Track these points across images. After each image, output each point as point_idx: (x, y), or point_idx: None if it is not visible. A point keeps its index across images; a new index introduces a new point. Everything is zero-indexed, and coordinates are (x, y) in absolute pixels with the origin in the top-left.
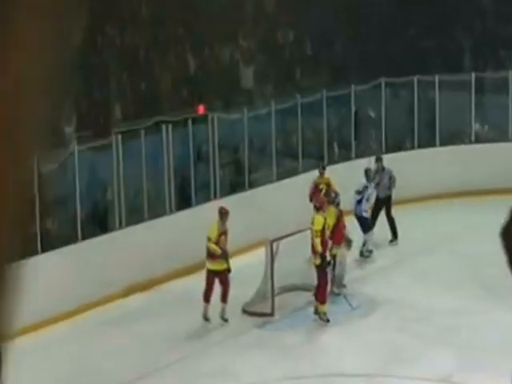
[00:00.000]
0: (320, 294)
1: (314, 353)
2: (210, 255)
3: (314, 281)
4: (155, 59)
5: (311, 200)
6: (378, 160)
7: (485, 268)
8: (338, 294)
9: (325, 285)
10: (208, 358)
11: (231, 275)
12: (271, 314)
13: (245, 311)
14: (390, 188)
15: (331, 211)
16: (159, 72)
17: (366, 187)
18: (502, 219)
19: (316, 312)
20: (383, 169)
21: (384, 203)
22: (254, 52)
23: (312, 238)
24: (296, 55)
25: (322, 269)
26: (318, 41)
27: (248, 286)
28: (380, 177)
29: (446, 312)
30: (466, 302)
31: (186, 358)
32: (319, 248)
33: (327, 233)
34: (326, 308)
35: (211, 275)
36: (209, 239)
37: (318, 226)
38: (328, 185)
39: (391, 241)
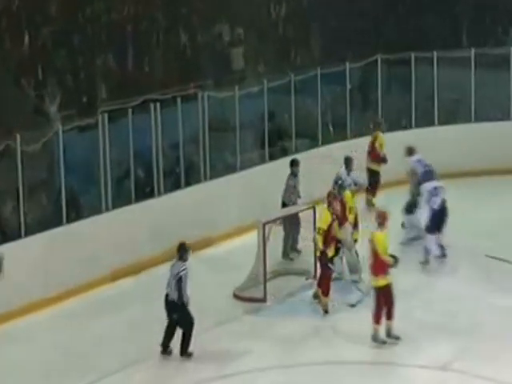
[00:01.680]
0: (323, 285)
1: (310, 340)
2: (383, 269)
3: (307, 265)
4: (144, 36)
5: (369, 154)
6: (294, 164)
7: (483, 252)
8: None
9: (327, 276)
10: (200, 345)
11: (223, 259)
12: (263, 300)
13: (236, 296)
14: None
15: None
16: (148, 49)
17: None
18: (503, 200)
19: (315, 297)
20: (296, 174)
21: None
22: (246, 29)
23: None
24: (289, 32)
25: (324, 261)
26: (312, 17)
27: (239, 270)
28: (294, 181)
29: (446, 298)
30: (466, 287)
31: (178, 345)
32: (320, 245)
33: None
34: (328, 299)
35: (381, 292)
36: (383, 253)
37: (324, 225)
38: (374, 139)
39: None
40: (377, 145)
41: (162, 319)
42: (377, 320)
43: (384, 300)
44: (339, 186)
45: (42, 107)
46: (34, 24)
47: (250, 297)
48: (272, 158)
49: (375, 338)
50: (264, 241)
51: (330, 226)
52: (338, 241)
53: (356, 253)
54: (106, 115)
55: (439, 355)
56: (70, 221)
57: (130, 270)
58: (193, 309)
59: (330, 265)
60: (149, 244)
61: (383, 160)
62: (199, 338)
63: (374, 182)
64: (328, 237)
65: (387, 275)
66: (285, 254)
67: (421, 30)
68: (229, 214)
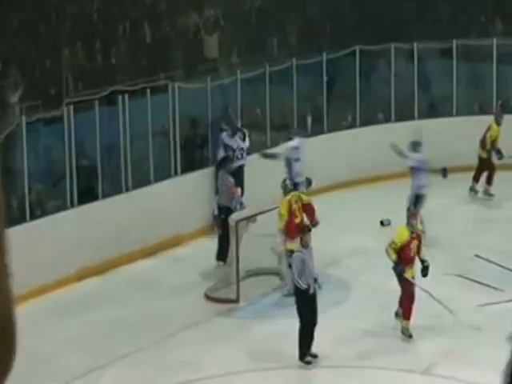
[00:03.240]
0: (405, 307)
1: (284, 343)
2: None
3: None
4: (112, 24)
5: (481, 143)
6: (230, 161)
7: (462, 252)
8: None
9: (409, 296)
10: (169, 349)
11: (193, 258)
12: (236, 301)
13: (207, 297)
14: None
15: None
16: (116, 38)
17: None
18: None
19: (397, 314)
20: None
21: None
22: (219, 18)
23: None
24: (264, 20)
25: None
26: (288, 5)
27: (210, 270)
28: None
29: (426, 298)
30: (447, 288)
31: (146, 349)
32: (393, 257)
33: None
34: (409, 323)
35: None
36: None
37: (397, 240)
38: (488, 129)
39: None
40: (488, 135)
41: (128, 320)
42: None
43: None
44: (284, 188)
45: (3, 98)
46: None
47: (223, 298)
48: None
49: None
50: (237, 240)
51: (406, 244)
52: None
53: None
54: (71, 107)
55: (421, 359)
56: (33, 218)
57: (96, 270)
58: (162, 311)
59: (410, 279)
60: (116, 242)
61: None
62: (169, 340)
63: (488, 171)
64: (402, 254)
65: None
66: (219, 258)
67: (402, 21)
68: (199, 211)
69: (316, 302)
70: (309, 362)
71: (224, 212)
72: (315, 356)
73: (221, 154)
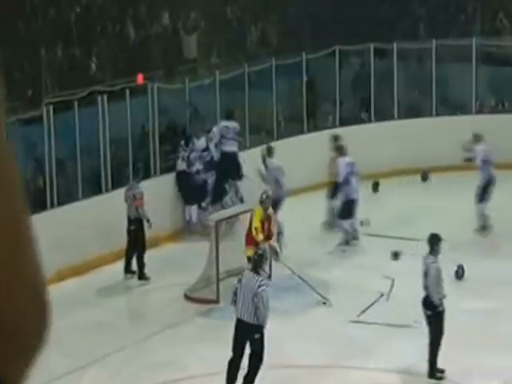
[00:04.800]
0: None
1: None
2: None
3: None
4: (91, 25)
5: None
6: (136, 169)
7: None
8: None
9: None
10: (150, 349)
11: (172, 258)
12: (216, 301)
13: (187, 297)
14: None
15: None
16: (95, 39)
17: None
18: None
19: None
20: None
21: None
22: (198, 18)
23: None
24: (243, 20)
25: None
26: (268, 5)
27: (190, 270)
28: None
29: (406, 299)
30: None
31: (126, 349)
32: None
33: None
34: None
35: None
36: None
37: None
38: None
39: None
40: None
41: (108, 321)
42: None
43: None
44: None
45: None
46: None
47: (203, 298)
48: None
49: None
50: (217, 240)
51: None
52: None
53: None
54: (51, 107)
55: (400, 358)
56: None
57: (76, 271)
58: (142, 311)
59: None
60: (95, 243)
61: None
62: (149, 341)
63: None
64: None
65: None
66: (128, 270)
67: (381, 21)
68: (178, 212)
69: (444, 317)
70: (441, 378)
71: (132, 223)
72: (442, 371)
73: (197, 166)
